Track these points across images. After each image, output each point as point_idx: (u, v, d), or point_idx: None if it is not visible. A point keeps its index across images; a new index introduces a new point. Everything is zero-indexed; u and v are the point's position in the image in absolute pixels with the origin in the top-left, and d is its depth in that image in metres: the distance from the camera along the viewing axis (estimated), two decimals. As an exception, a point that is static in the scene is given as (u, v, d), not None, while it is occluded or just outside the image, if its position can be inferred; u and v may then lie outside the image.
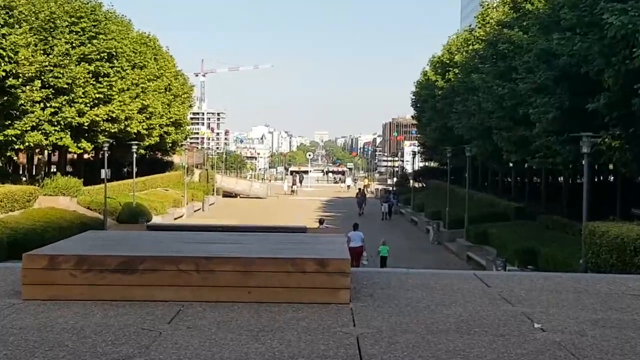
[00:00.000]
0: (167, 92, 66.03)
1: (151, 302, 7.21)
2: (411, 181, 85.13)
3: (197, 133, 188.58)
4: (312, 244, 9.27)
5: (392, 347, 5.81)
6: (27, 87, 40.26)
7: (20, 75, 37.82)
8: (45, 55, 43.36)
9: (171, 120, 66.93)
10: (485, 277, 9.65)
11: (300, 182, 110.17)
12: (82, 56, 48.51)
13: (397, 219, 63.32)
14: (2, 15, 34.22)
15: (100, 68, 49.98)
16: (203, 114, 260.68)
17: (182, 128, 74.36)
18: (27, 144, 43.52)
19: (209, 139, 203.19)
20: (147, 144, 60.68)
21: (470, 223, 42.47)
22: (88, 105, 48.76)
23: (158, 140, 63.95)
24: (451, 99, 53.97)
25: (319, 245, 9.19)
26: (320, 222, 33.84)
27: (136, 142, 51.72)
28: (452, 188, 50.91)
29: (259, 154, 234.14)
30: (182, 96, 72.63)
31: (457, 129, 51.18)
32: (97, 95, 49.44)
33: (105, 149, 44.62)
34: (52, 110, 45.37)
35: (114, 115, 51.05)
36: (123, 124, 52.69)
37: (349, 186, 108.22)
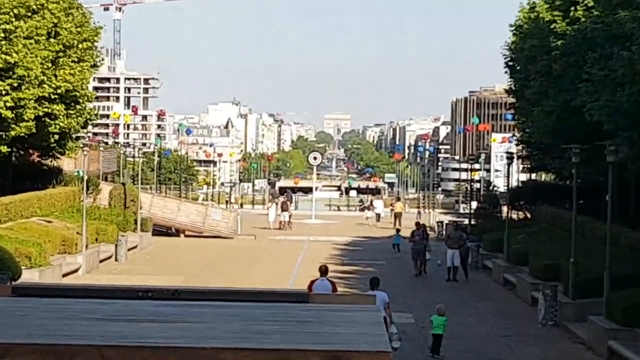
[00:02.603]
0: (53, 40, 65.91)
1: None
2: (504, 208, 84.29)
3: (108, 116, 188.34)
4: (321, 323, 9.25)
5: None
6: None
7: None
8: None
9: (58, 91, 66.70)
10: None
11: (291, 203, 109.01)
12: None
13: (477, 279, 63.08)
14: None
15: None
16: (118, 80, 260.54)
17: (78, 106, 73.86)
18: None
19: (128, 127, 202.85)
20: (13, 135, 60.54)
21: (615, 288, 41.58)
22: None
23: (34, 130, 63.74)
24: (580, 54, 53.84)
25: (333, 324, 9.14)
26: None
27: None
28: (581, 221, 50.17)
29: (220, 155, 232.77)
30: (80, 48, 72.13)
31: (590, 112, 50.79)
32: None
33: None
34: None
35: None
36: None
37: (379, 215, 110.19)
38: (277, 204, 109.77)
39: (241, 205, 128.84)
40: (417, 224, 72.89)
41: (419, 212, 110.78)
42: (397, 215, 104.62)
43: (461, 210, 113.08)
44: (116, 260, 65.89)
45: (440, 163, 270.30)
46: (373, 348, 7.68)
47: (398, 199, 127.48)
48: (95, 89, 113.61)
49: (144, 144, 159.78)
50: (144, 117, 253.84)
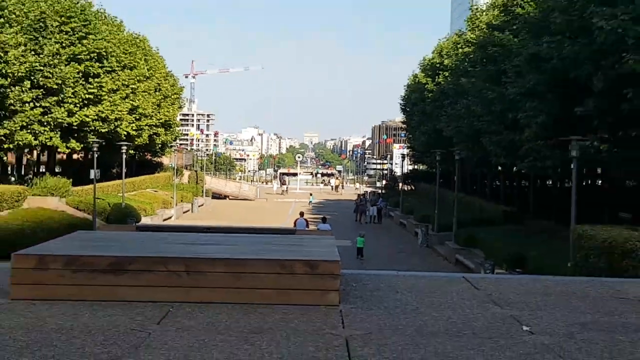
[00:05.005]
0: (157, 93, 65.49)
1: (141, 302, 7.16)
2: (400, 184, 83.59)
3: (187, 134, 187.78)
4: (301, 246, 9.16)
5: (381, 349, 5.78)
6: (17, 87, 39.90)
7: (10, 75, 37.36)
8: (35, 55, 42.92)
9: (161, 121, 66.10)
10: (474, 280, 9.63)
11: (283, 183, 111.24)
12: (72, 56, 48.11)
13: (387, 223, 62.50)
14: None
15: (90, 68, 49.60)
16: (192, 115, 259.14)
17: (171, 129, 73.49)
18: (16, 143, 43.22)
19: (198, 141, 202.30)
20: (136, 144, 60.30)
21: (459, 227, 41.60)
22: (78, 105, 48.41)
23: (147, 142, 63.40)
24: (441, 102, 53.24)
25: (308, 246, 9.07)
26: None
27: (126, 143, 51.20)
28: (441, 192, 49.80)
29: (248, 155, 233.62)
30: (172, 97, 71.95)
31: (446, 133, 50.38)
32: (87, 96, 49.11)
33: (95, 149, 44.18)
34: (42, 110, 44.91)
35: (103, 115, 50.71)
36: (113, 125, 52.34)
37: (336, 186, 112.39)
38: (276, 179, 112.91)
39: (265, 183, 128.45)
40: (363, 194, 75.82)
41: (334, 187, 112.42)
42: (336, 186, 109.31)
43: (378, 185, 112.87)
44: (192, 212, 65.09)
45: (366, 160, 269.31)
46: (330, 258, 7.70)
47: (337, 178, 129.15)
48: (180, 120, 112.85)
49: (206, 150, 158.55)
50: (207, 135, 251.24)
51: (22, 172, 56.26)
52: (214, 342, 5.85)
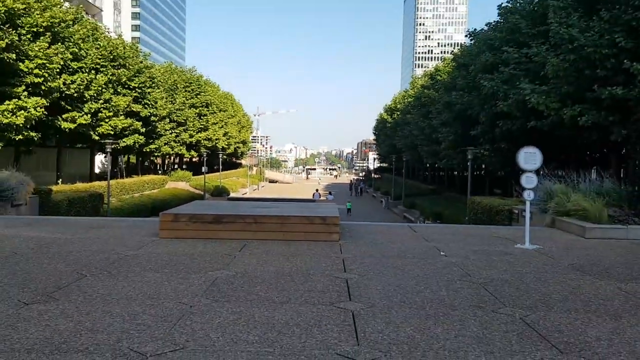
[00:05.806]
0: (238, 124, 65.38)
1: (229, 240, 7.10)
2: (372, 174, 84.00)
3: (255, 147, 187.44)
4: (318, 208, 9.02)
5: (362, 264, 5.80)
6: (162, 122, 40.00)
7: (158, 115, 37.54)
8: (171, 104, 43.09)
9: (240, 140, 66.08)
10: (414, 227, 9.62)
11: (308, 174, 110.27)
12: (192, 104, 48.24)
13: (365, 195, 62.09)
14: (148, 82, 34.04)
15: (202, 111, 49.71)
16: (258, 136, 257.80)
17: (246, 144, 72.79)
18: (161, 153, 43.34)
19: (261, 151, 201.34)
20: (227, 153, 60.32)
21: (405, 197, 41.56)
22: (195, 131, 48.52)
23: (233, 151, 63.43)
24: (395, 128, 52.69)
25: (321, 208, 8.94)
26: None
27: (221, 152, 51.45)
28: (395, 178, 49.69)
29: (288, 159, 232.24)
30: (247, 127, 71.42)
31: (398, 146, 49.70)
32: (200, 126, 49.17)
33: (204, 156, 44.45)
34: (175, 134, 45.12)
35: (209, 137, 50.83)
36: (214, 142, 52.33)
37: (336, 175, 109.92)
38: (305, 172, 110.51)
39: (298, 174, 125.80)
40: (356, 179, 73.15)
41: (335, 176, 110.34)
42: (337, 175, 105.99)
43: (360, 175, 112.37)
44: (258, 190, 64.43)
45: (354, 161, 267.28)
46: (334, 214, 7.51)
47: (337, 171, 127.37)
48: (251, 139, 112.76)
49: (265, 155, 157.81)
50: (266, 148, 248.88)
51: (165, 168, 56.36)
52: (269, 261, 5.82)
